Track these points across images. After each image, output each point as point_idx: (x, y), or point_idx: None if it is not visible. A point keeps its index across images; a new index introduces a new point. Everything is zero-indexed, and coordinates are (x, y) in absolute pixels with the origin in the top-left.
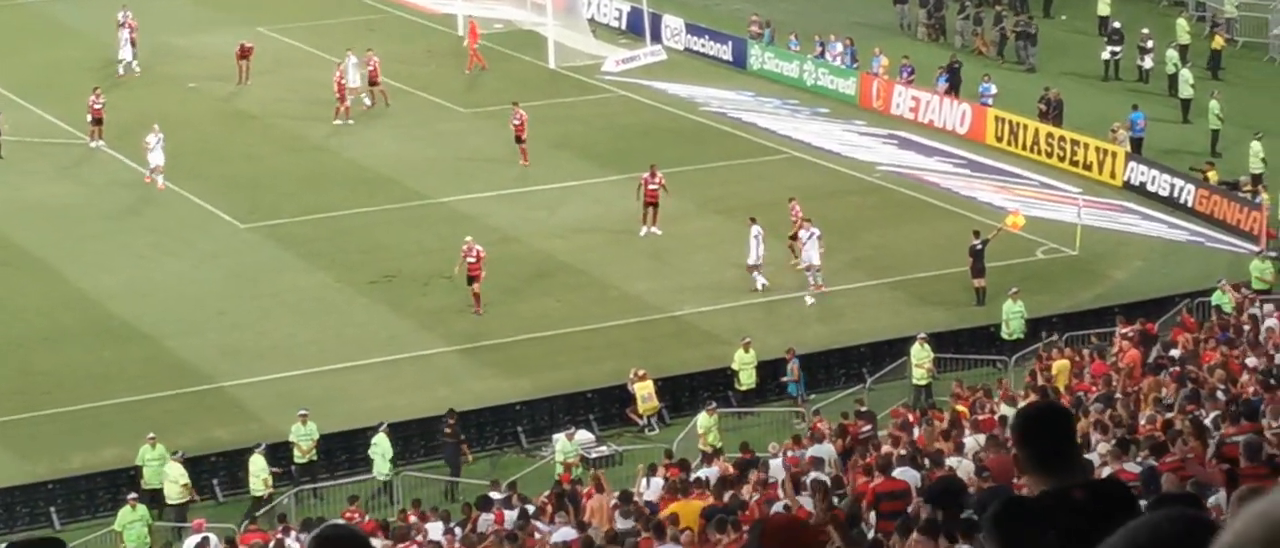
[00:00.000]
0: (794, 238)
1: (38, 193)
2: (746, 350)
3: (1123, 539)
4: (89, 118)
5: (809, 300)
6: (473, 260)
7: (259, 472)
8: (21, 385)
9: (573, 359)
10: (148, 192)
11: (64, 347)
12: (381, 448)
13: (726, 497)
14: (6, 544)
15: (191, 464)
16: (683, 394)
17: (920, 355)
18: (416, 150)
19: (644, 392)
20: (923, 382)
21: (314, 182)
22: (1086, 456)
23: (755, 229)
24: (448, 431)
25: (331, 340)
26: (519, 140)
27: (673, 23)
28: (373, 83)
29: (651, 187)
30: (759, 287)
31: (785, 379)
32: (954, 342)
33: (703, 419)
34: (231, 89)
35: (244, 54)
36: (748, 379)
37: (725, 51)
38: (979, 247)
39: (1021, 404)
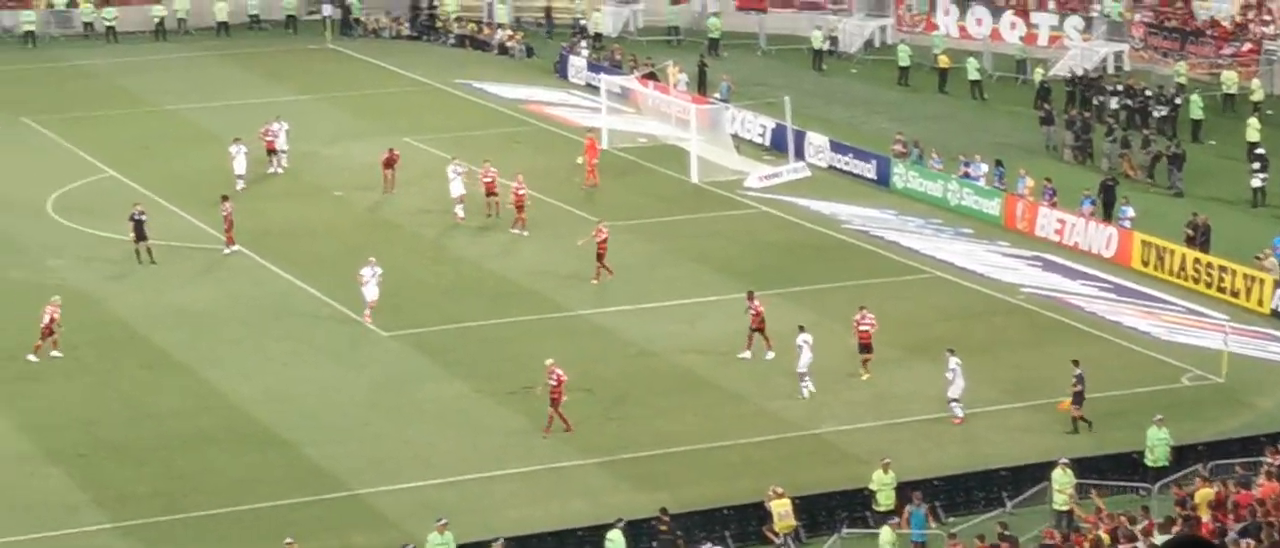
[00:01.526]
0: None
1: (180, 297)
2: (886, 471)
3: None
4: (223, 225)
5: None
6: (553, 383)
7: None
8: (162, 488)
9: (710, 475)
10: (291, 297)
11: (205, 450)
12: (617, 544)
13: None
14: None
15: None
16: (820, 513)
17: (1062, 481)
18: (556, 262)
19: (781, 509)
20: (1064, 507)
21: (455, 292)
22: None
23: (804, 336)
24: (663, 527)
25: (469, 450)
26: (599, 258)
27: (817, 140)
28: (490, 193)
29: (751, 309)
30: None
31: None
32: (1096, 468)
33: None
34: (377, 198)
35: (390, 163)
36: (886, 500)
37: (869, 170)
38: (1077, 376)
39: (1166, 536)
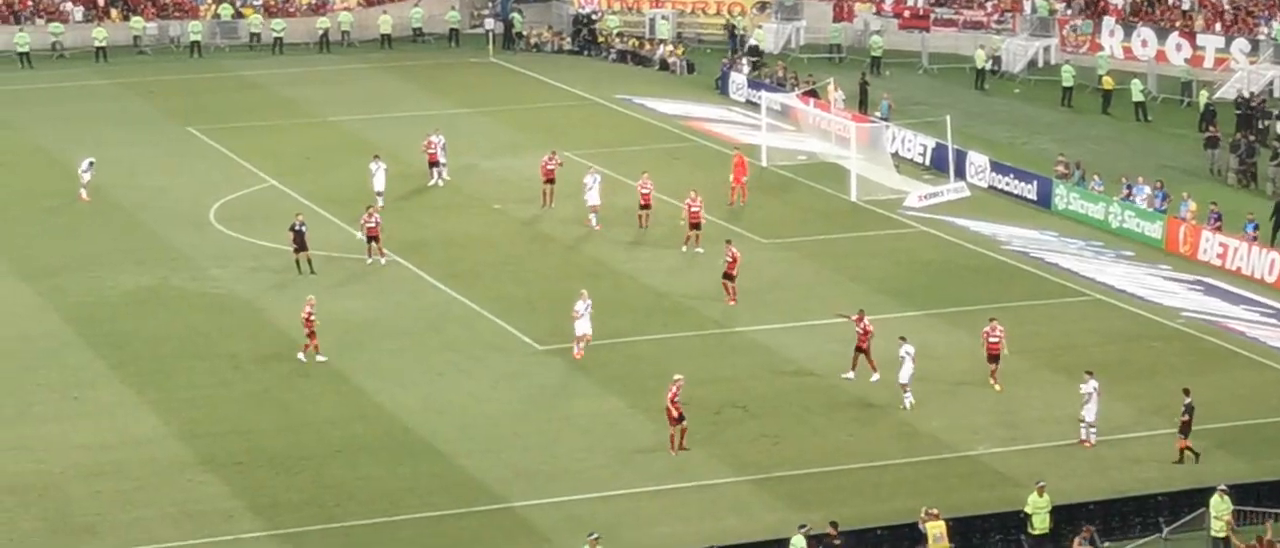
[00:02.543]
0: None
1: (338, 307)
2: (1041, 494)
3: None
4: (362, 236)
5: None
6: (675, 394)
7: None
8: (314, 497)
9: (863, 495)
10: (448, 308)
11: (359, 459)
12: None
13: None
14: None
15: None
16: (974, 536)
17: (1220, 508)
18: (715, 279)
19: (935, 531)
20: (1221, 535)
21: (612, 305)
22: None
23: (906, 347)
24: (836, 541)
25: (621, 465)
26: (728, 277)
27: (977, 160)
28: (645, 205)
29: (858, 329)
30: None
31: None
32: (1254, 494)
33: None
34: (535, 211)
35: (549, 178)
36: (1041, 524)
37: (1030, 190)
38: (1187, 406)
39: None
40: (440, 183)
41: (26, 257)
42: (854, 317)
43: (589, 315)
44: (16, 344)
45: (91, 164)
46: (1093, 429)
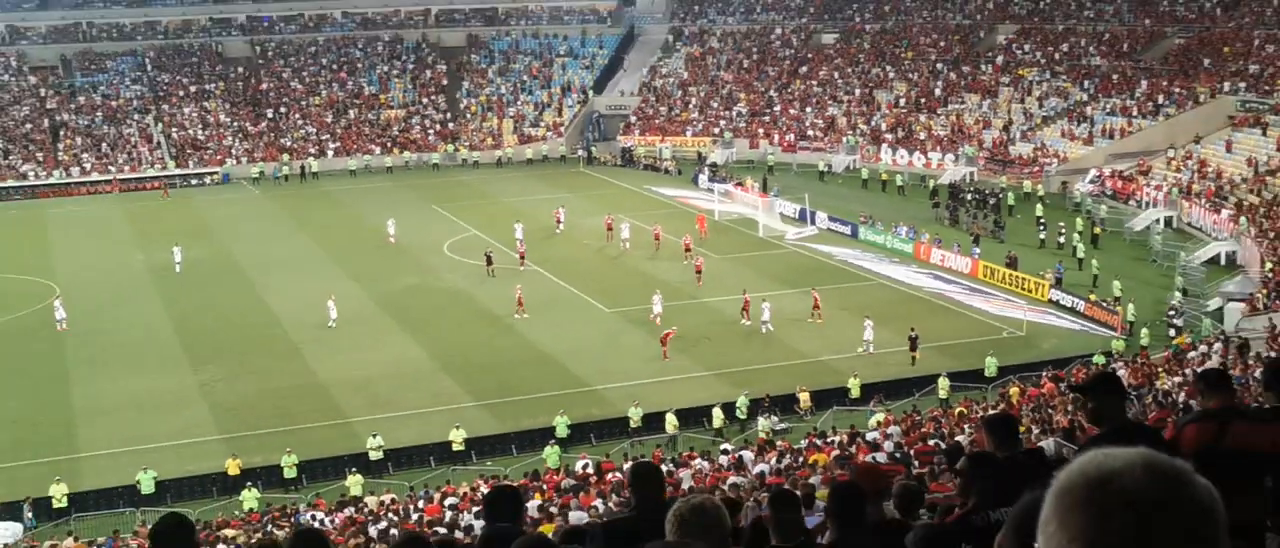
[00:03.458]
0: None
1: (510, 293)
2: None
3: None
4: (517, 256)
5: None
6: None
7: None
8: (503, 384)
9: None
10: (560, 292)
11: (521, 370)
12: None
13: None
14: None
15: None
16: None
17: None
18: (689, 279)
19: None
20: (944, 395)
21: (631, 288)
22: None
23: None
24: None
25: (643, 367)
26: (696, 269)
27: (821, 216)
28: (656, 238)
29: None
30: None
31: None
32: (961, 377)
33: None
34: (601, 244)
35: (609, 227)
36: (854, 390)
37: (847, 231)
38: (913, 335)
39: None
40: (560, 231)
41: (357, 269)
42: (744, 293)
43: (660, 301)
44: (349, 312)
45: (393, 222)
46: (870, 345)
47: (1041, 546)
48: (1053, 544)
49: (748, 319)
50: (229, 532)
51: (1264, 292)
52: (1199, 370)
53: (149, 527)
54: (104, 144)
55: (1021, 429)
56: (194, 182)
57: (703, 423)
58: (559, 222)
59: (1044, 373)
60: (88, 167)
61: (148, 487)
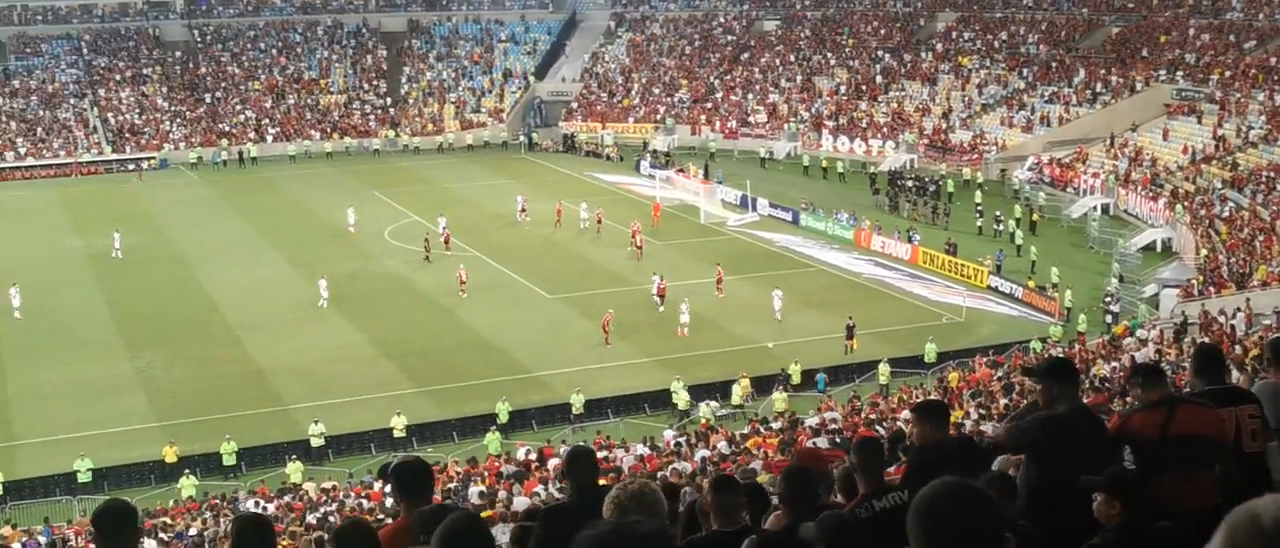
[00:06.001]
0: None
1: (444, 278)
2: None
3: None
4: (443, 240)
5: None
6: (608, 320)
7: None
8: (446, 371)
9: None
10: (500, 279)
11: (460, 354)
12: None
13: None
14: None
15: None
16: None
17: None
18: (630, 260)
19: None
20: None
21: (577, 274)
22: None
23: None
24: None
25: (585, 352)
26: (636, 246)
27: (762, 203)
28: (598, 222)
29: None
30: None
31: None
32: (907, 362)
33: None
34: (548, 230)
35: (558, 213)
36: (797, 374)
37: (788, 217)
38: (850, 324)
39: None
40: (523, 218)
41: (296, 255)
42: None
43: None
44: (292, 297)
45: (353, 211)
46: (778, 313)
47: None
48: None
49: (663, 306)
50: (168, 521)
51: (1199, 278)
52: (1134, 367)
53: (89, 515)
54: (40, 129)
55: (958, 415)
56: (131, 167)
57: (645, 409)
58: (523, 210)
59: (979, 357)
60: (22, 152)
61: (85, 476)
